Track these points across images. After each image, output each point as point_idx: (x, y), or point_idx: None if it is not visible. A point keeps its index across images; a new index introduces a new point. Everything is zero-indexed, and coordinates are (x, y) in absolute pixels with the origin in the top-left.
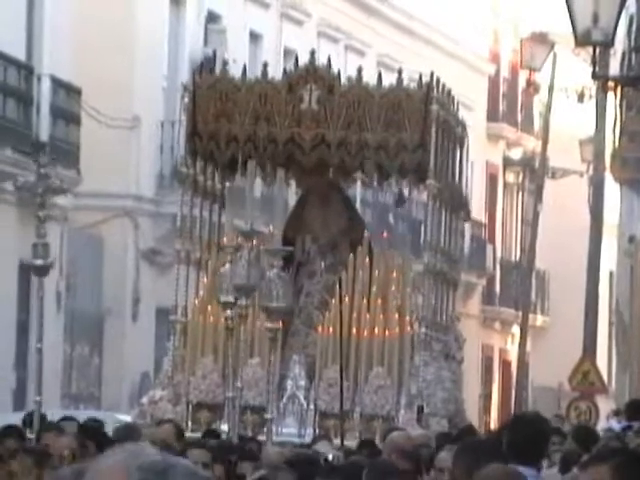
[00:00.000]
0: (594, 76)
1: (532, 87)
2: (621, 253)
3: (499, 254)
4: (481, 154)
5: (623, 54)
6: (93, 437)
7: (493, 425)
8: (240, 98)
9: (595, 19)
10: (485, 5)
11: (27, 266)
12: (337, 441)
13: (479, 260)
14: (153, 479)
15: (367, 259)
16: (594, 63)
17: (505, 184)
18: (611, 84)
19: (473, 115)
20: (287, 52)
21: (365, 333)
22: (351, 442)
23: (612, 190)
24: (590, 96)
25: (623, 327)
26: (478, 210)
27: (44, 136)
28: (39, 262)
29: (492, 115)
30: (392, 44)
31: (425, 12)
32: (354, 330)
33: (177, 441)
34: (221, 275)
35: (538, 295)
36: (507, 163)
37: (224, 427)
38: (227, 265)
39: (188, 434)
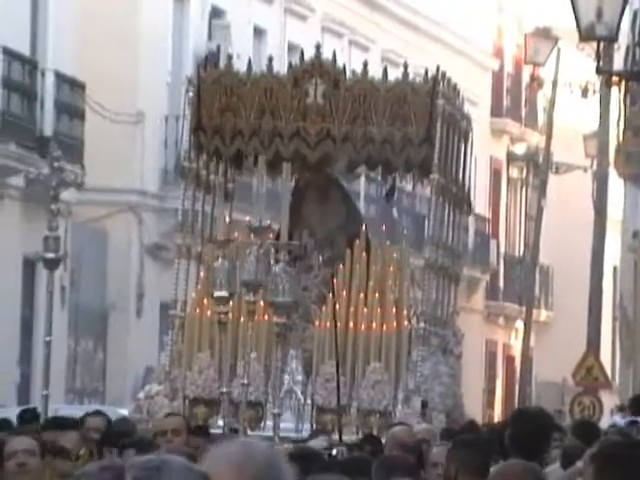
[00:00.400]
0: (598, 71)
1: (536, 82)
2: (625, 248)
3: (503, 249)
4: (485, 149)
5: (627, 49)
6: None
7: (497, 420)
8: (245, 92)
9: (599, 14)
10: (489, 0)
11: (31, 261)
12: (335, 436)
13: (483, 255)
14: (147, 476)
15: (364, 253)
16: (598, 58)
17: (509, 179)
18: (615, 79)
19: (477, 110)
20: (291, 47)
21: (362, 327)
22: (348, 437)
23: (616, 185)
24: (594, 91)
25: (627, 322)
26: (482, 205)
27: (48, 131)
28: (50, 255)
29: (496, 110)
30: (396, 39)
31: (429, 7)
32: (351, 324)
33: (186, 433)
34: (214, 269)
35: (542, 290)
36: (511, 158)
37: (221, 422)
38: (220, 259)
39: None
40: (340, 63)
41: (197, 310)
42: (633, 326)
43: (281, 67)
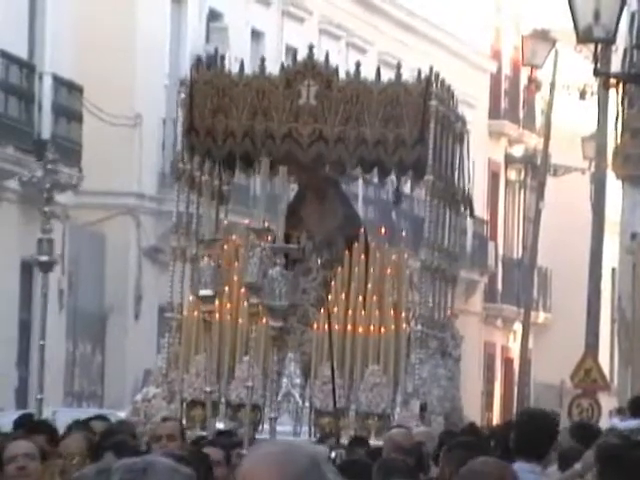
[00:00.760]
0: (596, 73)
1: (534, 84)
2: (623, 250)
3: (501, 251)
4: (483, 151)
5: (625, 51)
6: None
7: (495, 422)
8: (237, 93)
9: (597, 16)
10: (486, 2)
11: (29, 264)
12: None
13: (481, 257)
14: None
15: (363, 255)
16: (596, 60)
17: (507, 181)
18: (613, 81)
19: (475, 112)
20: (289, 50)
21: (361, 330)
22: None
23: (614, 187)
24: (592, 93)
25: (625, 324)
26: (480, 207)
27: (46, 134)
28: (44, 258)
29: (494, 112)
30: (394, 41)
31: (427, 9)
32: (349, 327)
33: (181, 438)
34: (200, 269)
35: (540, 292)
36: (509, 160)
37: (218, 425)
38: (205, 259)
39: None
40: (338, 65)
41: (195, 312)
42: (631, 328)
43: (277, 69)
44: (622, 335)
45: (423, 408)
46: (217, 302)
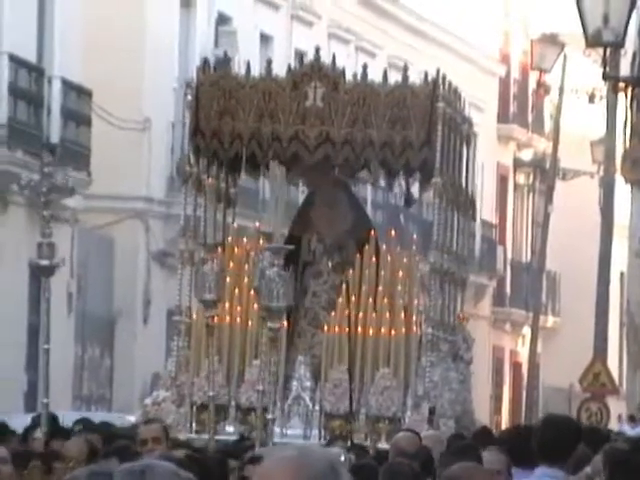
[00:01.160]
0: (605, 77)
1: (542, 88)
2: (632, 254)
3: (510, 255)
4: (492, 155)
5: (634, 55)
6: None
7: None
8: (244, 95)
9: (605, 20)
10: (495, 6)
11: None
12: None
13: (490, 261)
14: None
15: (374, 258)
16: (604, 64)
17: (516, 185)
18: (622, 85)
19: (484, 116)
20: (297, 54)
21: (371, 333)
22: (359, 443)
23: (623, 191)
24: (601, 97)
25: (634, 328)
26: (489, 211)
27: (55, 138)
28: (44, 262)
29: (503, 116)
30: (403, 45)
31: (435, 13)
32: (360, 330)
33: (166, 440)
34: (203, 274)
35: (549, 296)
36: (518, 164)
37: (229, 428)
38: (209, 263)
39: (192, 435)
40: (345, 67)
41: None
42: None
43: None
44: (631, 339)
45: (432, 411)
46: (222, 306)
